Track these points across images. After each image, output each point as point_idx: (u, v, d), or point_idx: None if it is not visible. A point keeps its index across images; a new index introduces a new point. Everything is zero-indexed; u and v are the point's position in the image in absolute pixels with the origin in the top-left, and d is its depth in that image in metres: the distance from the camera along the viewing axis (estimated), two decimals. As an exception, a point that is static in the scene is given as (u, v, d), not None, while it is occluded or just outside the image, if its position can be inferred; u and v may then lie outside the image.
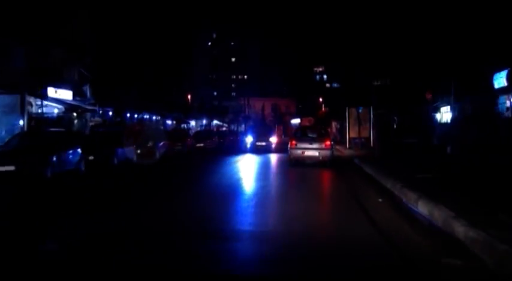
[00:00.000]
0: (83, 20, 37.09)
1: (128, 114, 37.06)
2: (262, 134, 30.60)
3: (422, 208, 7.96)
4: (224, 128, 62.48)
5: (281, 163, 21.60)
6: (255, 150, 27.57)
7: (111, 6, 40.05)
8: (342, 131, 57.83)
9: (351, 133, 28.91)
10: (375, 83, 18.31)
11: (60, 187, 12.77)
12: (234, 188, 12.49)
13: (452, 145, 19.37)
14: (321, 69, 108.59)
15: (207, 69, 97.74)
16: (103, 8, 38.63)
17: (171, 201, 9.96)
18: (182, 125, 51.38)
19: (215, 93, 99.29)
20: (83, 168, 15.77)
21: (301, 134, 20.43)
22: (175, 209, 8.97)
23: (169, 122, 44.79)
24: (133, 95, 39.02)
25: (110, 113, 30.90)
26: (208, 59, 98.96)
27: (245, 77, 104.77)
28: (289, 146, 19.05)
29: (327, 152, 18.32)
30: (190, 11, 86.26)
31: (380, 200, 9.81)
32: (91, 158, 16.64)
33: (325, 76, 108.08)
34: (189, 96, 62.71)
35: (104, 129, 22.85)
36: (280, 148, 28.22)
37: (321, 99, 69.29)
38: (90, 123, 27.02)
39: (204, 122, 58.09)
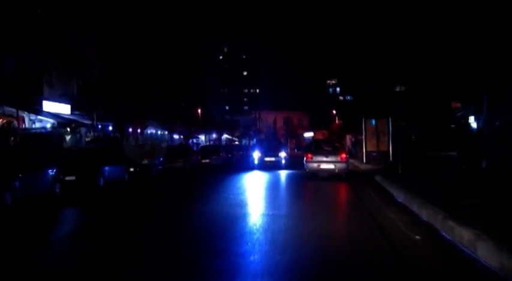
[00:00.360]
0: (89, 32, 35.79)
1: (130, 129, 34.92)
2: (270, 148, 27.82)
3: (488, 256, 5.37)
4: (236, 143, 60.16)
5: (292, 182, 19.01)
6: (263, 166, 24.82)
7: (120, 19, 38.73)
8: (356, 144, 55.25)
9: (368, 146, 26.21)
10: (398, 89, 15.47)
11: (17, 217, 10.39)
12: (228, 222, 9.07)
13: (488, 158, 16.63)
14: (334, 81, 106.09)
15: (218, 83, 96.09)
16: (111, 20, 37.39)
17: (141, 248, 7.40)
18: (191, 140, 49.21)
19: (227, 107, 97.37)
20: (58, 190, 13.39)
21: (316, 147, 20.20)
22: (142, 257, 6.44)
23: (176, 136, 42.51)
24: (138, 109, 37.07)
25: (110, 128, 28.65)
26: (220, 72, 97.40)
27: (257, 90, 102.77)
28: (304, 159, 18.90)
29: (342, 165, 18.22)
30: (202, 25, 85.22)
31: (417, 237, 7.21)
32: (70, 178, 14.30)
33: (338, 89, 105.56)
34: (199, 110, 60.66)
35: (92, 145, 20.45)
36: (291, 163, 25.94)
37: (334, 112, 66.61)
38: (87, 139, 24.77)
39: (214, 136, 55.76)
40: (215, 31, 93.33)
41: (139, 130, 32.39)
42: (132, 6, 42.22)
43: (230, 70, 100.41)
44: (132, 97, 36.02)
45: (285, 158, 26.60)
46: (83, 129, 25.34)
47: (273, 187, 17.19)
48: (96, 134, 25.62)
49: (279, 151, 27.50)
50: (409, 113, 27.21)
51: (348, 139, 53.25)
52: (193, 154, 27.49)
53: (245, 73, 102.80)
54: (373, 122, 25.22)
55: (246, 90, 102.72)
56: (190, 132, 47.08)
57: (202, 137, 53.00)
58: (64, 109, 27.86)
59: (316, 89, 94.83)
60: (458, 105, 23.80)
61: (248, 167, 25.30)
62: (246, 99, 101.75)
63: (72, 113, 28.52)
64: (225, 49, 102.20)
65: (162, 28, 51.26)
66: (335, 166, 18.13)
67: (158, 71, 47.21)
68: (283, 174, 21.93)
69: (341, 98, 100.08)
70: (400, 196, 11.40)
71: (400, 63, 24.86)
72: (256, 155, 26.10)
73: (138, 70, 41.63)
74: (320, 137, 48.93)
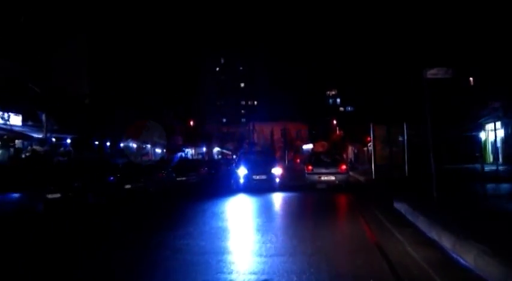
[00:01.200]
0: (79, 41, 32.29)
1: (108, 143, 29.62)
2: (259, 163, 20.11)
3: None
4: (229, 157, 54.65)
5: (289, 213, 13.50)
6: (251, 187, 18.51)
7: (112, 27, 35.43)
8: (359, 156, 49.88)
9: (377, 159, 20.74)
10: (431, 74, 9.86)
11: None
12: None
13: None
14: (333, 92, 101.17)
15: (214, 95, 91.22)
16: (102, 29, 34.29)
17: None
18: (179, 154, 43.83)
19: (224, 119, 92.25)
20: None
21: (316, 159, 20.03)
22: None
23: (159, 150, 37.14)
24: (119, 121, 32.33)
25: (68, 141, 23.23)
26: (216, 84, 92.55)
27: (255, 102, 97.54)
28: (305, 171, 18.94)
29: (343, 177, 18.49)
30: (198, 36, 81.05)
31: None
32: None
33: (338, 100, 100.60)
34: (191, 122, 55.45)
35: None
36: (289, 183, 20.20)
37: (335, 122, 61.28)
38: (27, 154, 19.33)
39: (204, 149, 50.29)
40: (211, 42, 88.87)
41: (108, 143, 27.00)
42: (129, 13, 39.23)
43: (227, 82, 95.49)
44: (111, 108, 31.87)
45: (279, 176, 19.56)
46: (20, 142, 19.90)
47: (261, 228, 9.97)
48: (38, 147, 20.14)
49: (272, 166, 19.93)
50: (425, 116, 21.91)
51: (350, 150, 47.91)
52: (162, 170, 21.70)
53: (242, 85, 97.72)
54: (386, 128, 19.77)
55: (244, 102, 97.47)
56: (176, 146, 41.72)
57: (191, 151, 47.58)
58: (15, 119, 22.67)
59: (316, 99, 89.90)
60: (496, 104, 18.37)
61: (231, 188, 19.11)
62: (243, 111, 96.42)
63: (24, 125, 23.32)
64: (222, 60, 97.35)
65: (157, 38, 48.18)
66: (335, 177, 18.26)
67: (148, 80, 42.82)
68: (277, 199, 16.06)
69: (341, 109, 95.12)
70: (479, 262, 5.81)
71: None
72: (241, 172, 19.03)
73: (127, 78, 37.69)
74: (319, 148, 43.66)
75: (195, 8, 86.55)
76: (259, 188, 18.43)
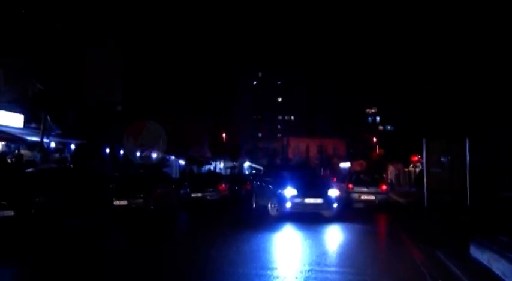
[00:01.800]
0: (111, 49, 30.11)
1: (122, 151, 26.57)
2: (311, 183, 15.36)
3: None
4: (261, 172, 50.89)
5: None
6: (301, 214, 13.63)
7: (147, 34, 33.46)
8: (399, 176, 45.17)
9: (431, 183, 16.47)
10: None
11: None
12: None
13: None
14: (373, 110, 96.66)
15: (251, 109, 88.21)
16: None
17: None
18: (207, 167, 40.57)
19: (260, 134, 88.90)
20: None
21: (356, 178, 19.85)
22: None
23: (182, 162, 33.86)
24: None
25: (73, 147, 20.18)
26: (254, 98, 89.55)
27: (292, 118, 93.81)
28: (345, 189, 18.25)
29: (383, 197, 18.25)
30: (236, 50, 78.89)
31: None
32: None
33: (378, 118, 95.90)
34: (223, 135, 52.20)
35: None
36: (350, 213, 15.88)
37: (374, 140, 56.66)
38: (13, 159, 16.21)
39: (235, 163, 46.76)
40: (250, 56, 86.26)
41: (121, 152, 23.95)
42: (169, 23, 37.72)
43: (264, 96, 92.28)
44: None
45: (338, 199, 14.71)
46: (12, 146, 16.90)
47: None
48: (26, 151, 17.06)
49: (328, 186, 15.32)
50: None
51: (391, 170, 43.43)
52: (172, 183, 18.08)
53: (280, 99, 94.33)
54: (446, 144, 15.57)
55: (280, 117, 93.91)
56: (204, 158, 38.40)
57: (220, 164, 44.20)
58: (15, 120, 19.88)
59: (355, 117, 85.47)
60: None
61: (266, 215, 14.27)
62: (279, 126, 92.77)
63: (26, 127, 20.48)
64: (260, 74, 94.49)
65: (195, 50, 46.57)
66: (375, 197, 17.97)
67: (180, 89, 40.34)
68: (355, 239, 11.18)
69: (380, 127, 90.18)
70: None
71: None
72: (288, 193, 13.96)
73: (159, 87, 35.51)
74: (357, 167, 39.76)
75: (236, 21, 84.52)
76: (312, 216, 13.76)
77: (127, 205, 14.28)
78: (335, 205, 14.20)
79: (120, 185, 14.64)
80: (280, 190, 14.30)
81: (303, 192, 14.03)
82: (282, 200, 14.02)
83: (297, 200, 13.89)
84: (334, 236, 11.87)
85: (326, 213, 14.09)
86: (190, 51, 45.92)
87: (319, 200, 14.04)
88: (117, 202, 14.01)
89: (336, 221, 13.48)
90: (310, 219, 13.41)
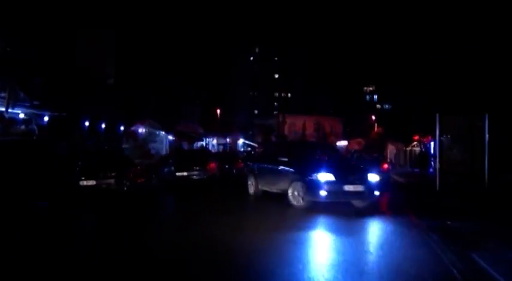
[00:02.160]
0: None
1: (103, 125, 24.51)
2: (347, 166, 13.27)
3: None
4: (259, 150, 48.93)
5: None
6: (337, 205, 11.24)
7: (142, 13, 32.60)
8: (399, 156, 43.39)
9: (444, 164, 14.52)
10: None
11: None
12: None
13: None
14: (371, 88, 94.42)
15: (247, 85, 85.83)
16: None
17: None
18: (199, 144, 38.60)
19: (256, 111, 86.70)
20: None
21: (357, 157, 18.92)
22: None
23: (171, 137, 31.79)
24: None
25: (46, 119, 18.06)
26: (250, 74, 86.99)
27: (289, 94, 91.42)
28: None
29: (384, 176, 17.04)
30: (233, 23, 76.29)
31: None
32: None
33: (375, 96, 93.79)
34: (217, 111, 49.99)
35: None
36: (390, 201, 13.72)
37: (373, 118, 54.67)
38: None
39: (228, 140, 44.68)
40: (247, 31, 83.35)
41: (122, 127, 21.81)
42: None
43: (261, 72, 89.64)
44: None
45: (378, 185, 12.43)
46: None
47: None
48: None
49: (366, 171, 12.43)
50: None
51: (391, 150, 41.59)
52: (155, 161, 16.00)
53: (277, 76, 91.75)
54: (465, 120, 13.51)
55: (277, 94, 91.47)
56: (195, 134, 36.32)
57: (214, 141, 42.16)
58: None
59: (352, 95, 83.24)
60: None
61: (287, 205, 11.38)
62: (276, 103, 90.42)
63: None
64: (257, 50, 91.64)
65: (190, 25, 44.64)
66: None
67: (173, 62, 38.28)
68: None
69: (378, 106, 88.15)
70: None
71: None
72: (323, 178, 11.09)
73: (151, 60, 33.65)
74: (355, 146, 37.93)
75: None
76: (351, 206, 11.39)
77: (95, 186, 12.27)
78: (376, 192, 11.80)
79: (88, 163, 12.59)
80: (309, 174, 11.33)
81: (341, 177, 11.25)
82: (313, 186, 11.06)
83: (334, 187, 11.08)
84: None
85: (362, 203, 11.57)
86: (186, 24, 43.79)
87: (360, 188, 11.30)
88: (84, 182, 12.04)
89: (377, 214, 11.01)
90: (350, 212, 10.80)
